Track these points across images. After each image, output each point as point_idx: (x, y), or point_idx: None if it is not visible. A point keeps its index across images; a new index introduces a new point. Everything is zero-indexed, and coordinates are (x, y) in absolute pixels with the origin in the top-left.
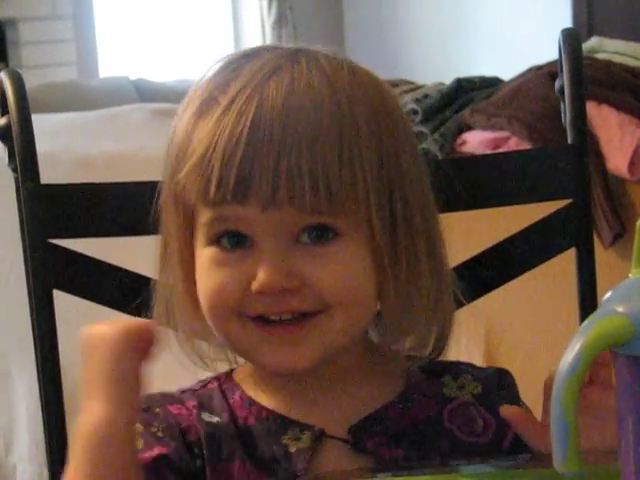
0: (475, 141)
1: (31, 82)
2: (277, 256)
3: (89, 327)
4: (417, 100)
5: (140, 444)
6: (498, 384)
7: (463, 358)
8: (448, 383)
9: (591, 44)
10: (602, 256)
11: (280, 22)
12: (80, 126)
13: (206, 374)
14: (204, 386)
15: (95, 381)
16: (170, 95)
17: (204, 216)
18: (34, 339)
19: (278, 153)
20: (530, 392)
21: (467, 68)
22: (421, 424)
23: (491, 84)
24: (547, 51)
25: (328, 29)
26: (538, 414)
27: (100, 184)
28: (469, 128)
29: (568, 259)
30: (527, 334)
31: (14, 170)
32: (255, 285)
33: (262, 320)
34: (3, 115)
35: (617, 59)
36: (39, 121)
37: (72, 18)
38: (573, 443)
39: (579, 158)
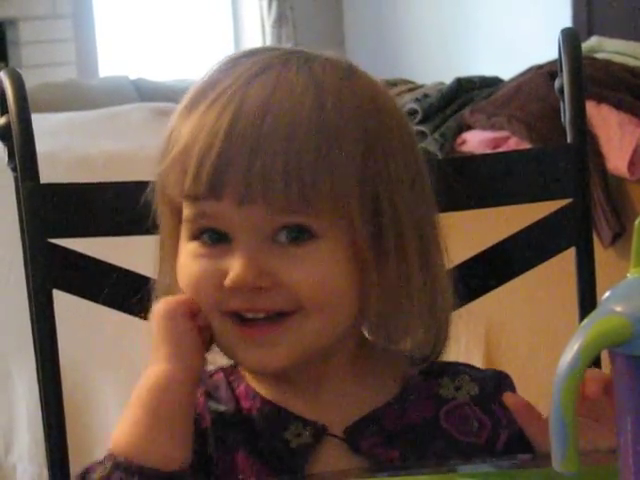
0: (475, 141)
1: (31, 81)
2: (250, 253)
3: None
4: (417, 100)
5: None
6: (496, 386)
7: (463, 358)
8: (445, 384)
9: (591, 44)
10: (602, 256)
11: (280, 22)
12: (80, 125)
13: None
14: (210, 376)
15: (154, 346)
16: (170, 95)
17: (186, 211)
18: (34, 339)
19: (253, 150)
20: (530, 392)
21: (467, 68)
22: (417, 425)
23: (491, 84)
24: (547, 51)
25: (328, 29)
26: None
27: (100, 184)
28: (469, 128)
29: (568, 259)
30: (527, 334)
31: (14, 169)
32: (227, 281)
33: (239, 318)
34: (3, 114)
35: (617, 59)
36: (39, 120)
37: (72, 18)
38: (572, 443)
39: (579, 158)
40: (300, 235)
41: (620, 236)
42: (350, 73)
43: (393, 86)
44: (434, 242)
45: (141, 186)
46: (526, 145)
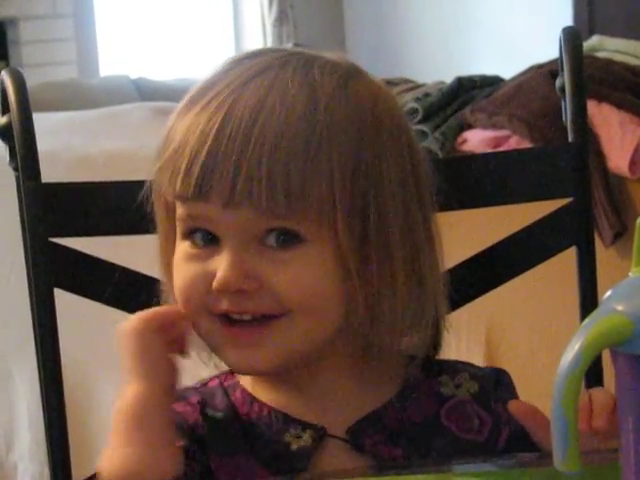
0: (476, 140)
1: (32, 81)
2: (237, 256)
3: (122, 322)
4: (418, 99)
5: None
6: (495, 383)
7: (464, 357)
8: (445, 382)
9: (592, 43)
10: (603, 255)
11: (281, 20)
12: (80, 125)
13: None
14: (205, 384)
15: (127, 367)
16: (170, 94)
17: (178, 211)
18: (35, 338)
19: (240, 154)
20: (530, 391)
21: (468, 67)
22: (419, 423)
23: (492, 83)
24: (548, 50)
25: (329, 27)
26: None
27: (100, 183)
28: (470, 127)
29: (569, 258)
30: (527, 333)
31: (15, 169)
32: (214, 283)
33: (227, 319)
34: (4, 114)
35: (618, 58)
36: (40, 120)
37: (72, 17)
38: (573, 442)
39: (580, 157)
40: (288, 239)
41: (621, 235)
42: (350, 76)
43: (394, 85)
44: (427, 244)
45: (142, 185)
46: (527, 144)
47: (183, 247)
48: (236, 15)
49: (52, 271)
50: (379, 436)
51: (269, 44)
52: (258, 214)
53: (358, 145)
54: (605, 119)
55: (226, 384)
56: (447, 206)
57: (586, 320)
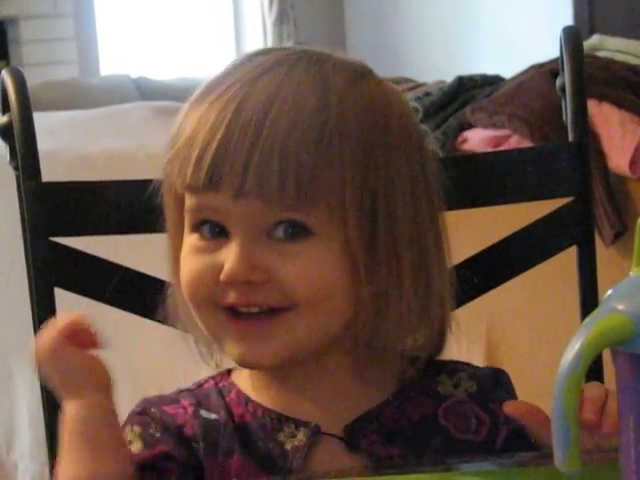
0: (476, 139)
1: (32, 80)
2: (245, 248)
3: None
4: (418, 98)
5: (139, 445)
6: (494, 383)
7: (464, 356)
8: (443, 381)
9: (592, 42)
10: (603, 254)
11: (281, 20)
12: (81, 124)
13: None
14: (200, 386)
15: (54, 385)
16: (171, 93)
17: (188, 202)
18: (35, 337)
19: (251, 145)
20: (531, 390)
21: (468, 66)
22: (416, 422)
23: (492, 82)
24: (548, 49)
25: (329, 27)
26: None
27: (101, 182)
28: (470, 126)
29: (569, 257)
30: (528, 332)
31: (15, 168)
32: (221, 275)
33: (233, 312)
34: (4, 113)
35: (618, 57)
36: (40, 119)
37: (73, 16)
38: (574, 441)
39: (580, 156)
40: (296, 231)
41: (622, 235)
42: (360, 75)
43: (394, 84)
44: (435, 243)
45: (142, 184)
46: (527, 143)
47: (191, 240)
48: (236, 14)
49: (52, 270)
50: (375, 435)
51: (269, 43)
52: (268, 205)
53: (369, 142)
54: (605, 118)
55: (221, 385)
56: (448, 206)
57: (586, 319)
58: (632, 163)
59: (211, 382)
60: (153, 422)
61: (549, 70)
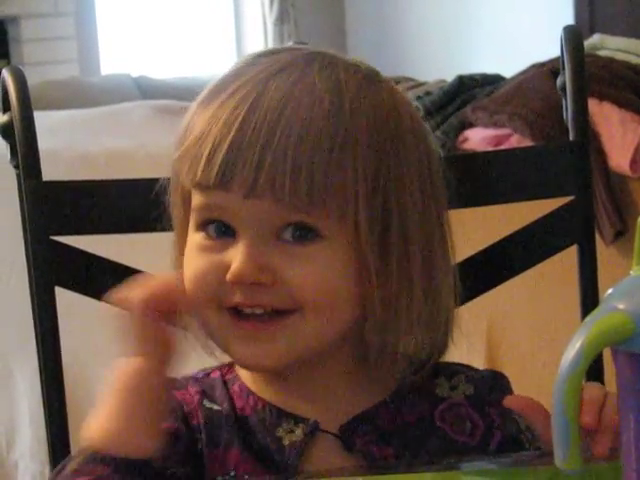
0: (477, 138)
1: (33, 79)
2: (253, 248)
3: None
4: (419, 97)
5: None
6: (491, 386)
7: (464, 356)
8: (441, 384)
9: (593, 41)
10: (604, 253)
11: (282, 19)
12: (81, 123)
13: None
14: (207, 375)
15: (123, 346)
16: (171, 92)
17: (195, 201)
18: (36, 336)
19: (265, 144)
20: (532, 389)
21: (469, 65)
22: (412, 423)
23: (493, 81)
24: (549, 48)
25: (330, 26)
26: None
27: (101, 181)
28: (471, 125)
29: (570, 256)
30: (528, 331)
31: (16, 167)
32: (228, 275)
33: (237, 312)
34: (5, 112)
35: (619, 56)
36: (41, 118)
37: (74, 15)
38: (574, 440)
39: (581, 155)
40: (305, 234)
41: (622, 234)
42: (372, 79)
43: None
44: (441, 245)
45: (143, 183)
46: (528, 143)
47: (196, 238)
48: (237, 13)
49: (53, 269)
50: (371, 435)
51: (270, 43)
52: (279, 207)
53: (381, 145)
54: (606, 118)
55: (227, 376)
56: (448, 205)
57: (587, 319)
58: (633, 162)
59: (217, 372)
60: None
61: (550, 69)
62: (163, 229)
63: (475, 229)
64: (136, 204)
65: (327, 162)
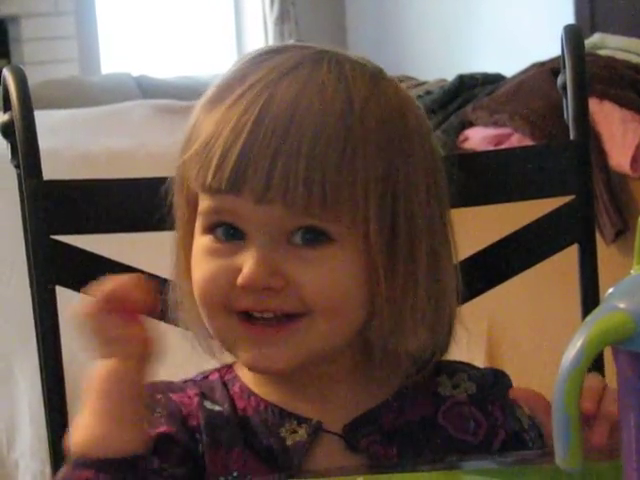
0: (477, 138)
1: (33, 78)
2: (264, 253)
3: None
4: (419, 96)
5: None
6: (493, 385)
7: (465, 355)
8: (444, 382)
9: (593, 40)
10: (604, 252)
11: (282, 18)
12: (82, 122)
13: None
14: (206, 377)
15: (91, 347)
16: (172, 91)
17: (203, 204)
18: (37, 335)
19: (277, 149)
20: (532, 388)
21: (469, 64)
22: (415, 423)
23: (493, 80)
24: (549, 47)
25: (330, 25)
26: None
27: (102, 180)
28: (471, 125)
29: (570, 256)
30: (529, 330)
31: (16, 166)
32: (239, 279)
33: (246, 316)
34: (6, 111)
35: (620, 55)
36: (41, 117)
37: (74, 15)
38: (575, 439)
39: (581, 155)
40: (316, 238)
41: (623, 233)
42: (379, 78)
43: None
44: (444, 245)
45: (144, 182)
46: (528, 142)
47: (204, 241)
48: (238, 12)
49: (53, 268)
50: (374, 435)
51: (271, 42)
52: (290, 211)
53: (389, 147)
54: (607, 117)
55: (226, 378)
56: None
57: (588, 318)
58: (633, 161)
59: (216, 374)
60: (159, 407)
61: (550, 68)
62: (164, 228)
63: (476, 229)
64: (137, 203)
65: (339, 166)
